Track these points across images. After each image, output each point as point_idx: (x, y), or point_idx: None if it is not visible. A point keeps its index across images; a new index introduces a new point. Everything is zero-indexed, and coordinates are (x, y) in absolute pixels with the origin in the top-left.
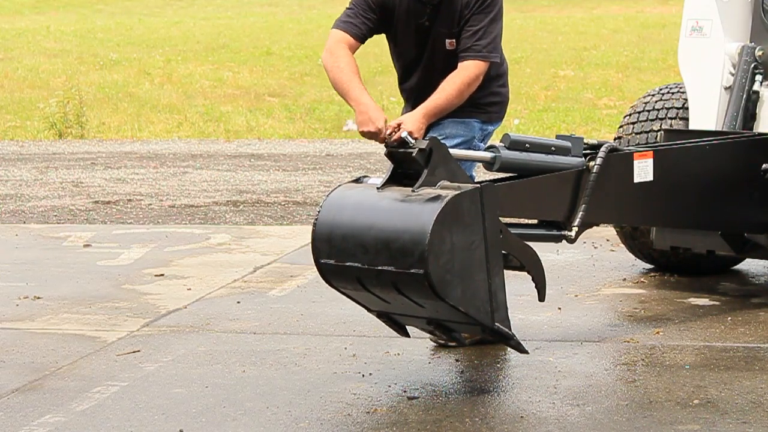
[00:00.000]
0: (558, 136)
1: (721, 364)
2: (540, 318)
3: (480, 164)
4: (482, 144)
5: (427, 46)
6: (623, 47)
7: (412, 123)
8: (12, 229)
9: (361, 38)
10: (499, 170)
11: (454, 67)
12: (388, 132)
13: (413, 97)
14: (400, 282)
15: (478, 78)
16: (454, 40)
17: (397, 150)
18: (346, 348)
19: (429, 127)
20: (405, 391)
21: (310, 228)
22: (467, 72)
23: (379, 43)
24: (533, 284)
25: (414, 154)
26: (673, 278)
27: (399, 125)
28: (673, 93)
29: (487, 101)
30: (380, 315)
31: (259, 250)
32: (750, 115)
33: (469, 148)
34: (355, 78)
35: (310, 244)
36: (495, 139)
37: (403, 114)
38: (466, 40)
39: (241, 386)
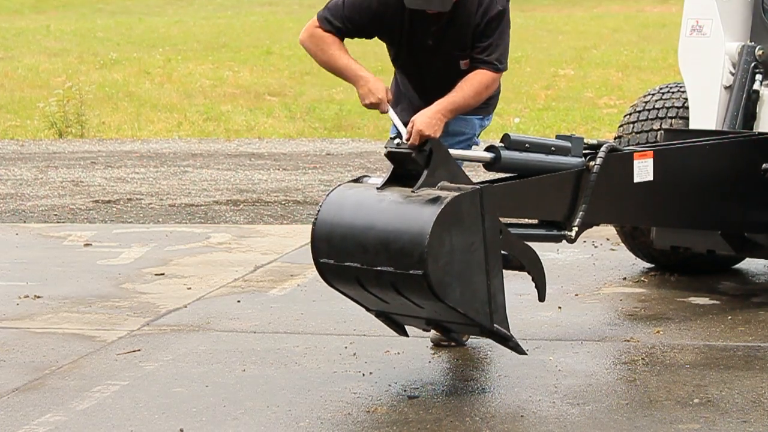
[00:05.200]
0: (558, 136)
1: (721, 363)
2: (540, 317)
3: (479, 164)
4: (479, 140)
5: (434, 65)
6: (623, 46)
7: (424, 123)
8: (12, 228)
9: (344, 39)
10: (499, 170)
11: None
12: (405, 137)
13: (423, 99)
14: (399, 283)
15: (495, 84)
16: (468, 60)
17: (396, 150)
18: (346, 347)
19: None
20: (405, 390)
21: (310, 227)
22: (485, 78)
23: (380, 42)
24: (533, 284)
25: (414, 155)
26: (673, 277)
27: (412, 126)
28: (673, 92)
29: (486, 100)
30: (379, 314)
31: (259, 250)
32: (750, 115)
33: (469, 145)
34: (345, 55)
35: (310, 244)
36: (495, 139)
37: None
38: (480, 54)
39: (241, 385)
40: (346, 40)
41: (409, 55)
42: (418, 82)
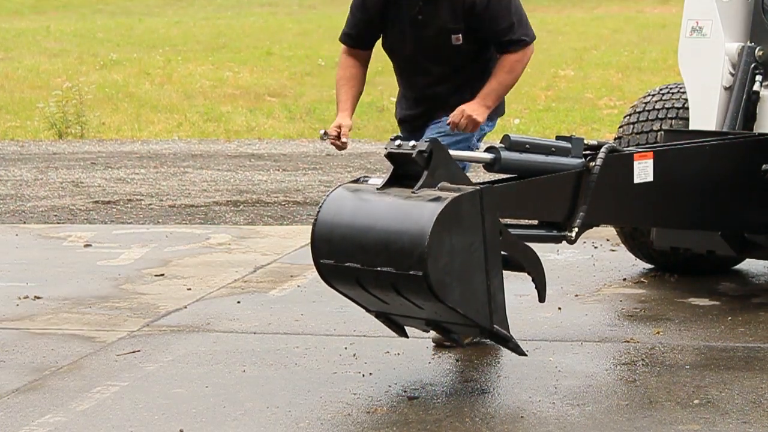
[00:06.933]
0: (558, 137)
1: (721, 364)
2: (540, 318)
3: (479, 165)
4: (478, 142)
5: (425, 41)
6: (623, 47)
7: (473, 110)
8: (12, 229)
9: (365, 45)
10: (499, 171)
11: (461, 63)
12: (449, 121)
13: (419, 95)
14: (399, 283)
15: (527, 56)
16: (460, 35)
17: (397, 151)
18: (346, 348)
19: (428, 125)
20: (405, 391)
21: (310, 228)
22: (513, 55)
23: (379, 43)
24: (533, 284)
25: (414, 156)
26: (673, 278)
27: (462, 114)
28: (673, 93)
29: None
30: (378, 315)
31: (259, 250)
32: (750, 116)
33: (468, 146)
34: (346, 88)
35: (310, 244)
36: (495, 140)
37: (404, 113)
38: (499, 39)
39: (241, 386)
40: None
41: (399, 31)
42: (409, 62)
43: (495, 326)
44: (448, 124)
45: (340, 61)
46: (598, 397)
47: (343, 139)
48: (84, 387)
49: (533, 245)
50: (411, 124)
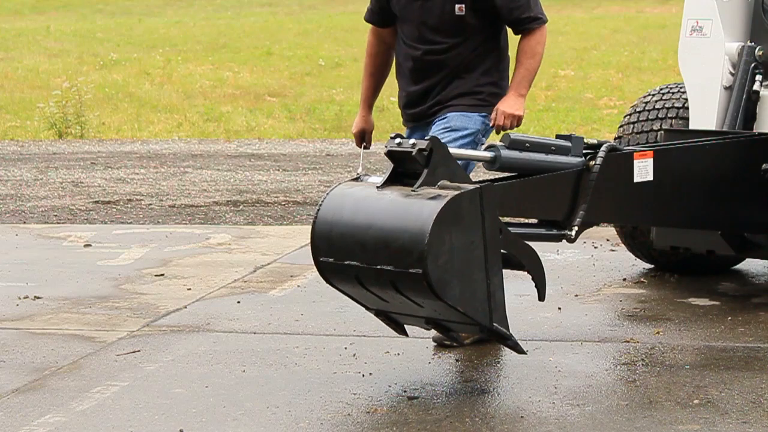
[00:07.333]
0: (558, 136)
1: (721, 364)
2: (540, 318)
3: (480, 163)
4: (485, 139)
5: (429, 11)
6: (623, 47)
7: (509, 106)
8: (12, 229)
9: (384, 22)
10: (499, 170)
11: (465, 35)
12: (492, 124)
13: (415, 66)
14: (398, 281)
15: (545, 34)
16: (463, 6)
17: (397, 149)
18: (346, 348)
19: (434, 120)
20: (405, 391)
21: (309, 228)
22: (533, 37)
23: None
24: (533, 284)
25: (414, 154)
26: (673, 278)
27: (504, 115)
28: (673, 93)
29: (489, 91)
30: (378, 313)
31: (259, 250)
32: (750, 115)
33: (475, 142)
34: (368, 76)
35: (310, 243)
36: (495, 139)
37: (408, 105)
38: (517, 16)
39: (241, 386)
40: None
41: (408, 1)
42: (414, 30)
43: (494, 324)
44: (493, 127)
45: (366, 42)
46: (598, 397)
47: (365, 144)
48: (84, 387)
49: (533, 244)
50: (414, 112)
